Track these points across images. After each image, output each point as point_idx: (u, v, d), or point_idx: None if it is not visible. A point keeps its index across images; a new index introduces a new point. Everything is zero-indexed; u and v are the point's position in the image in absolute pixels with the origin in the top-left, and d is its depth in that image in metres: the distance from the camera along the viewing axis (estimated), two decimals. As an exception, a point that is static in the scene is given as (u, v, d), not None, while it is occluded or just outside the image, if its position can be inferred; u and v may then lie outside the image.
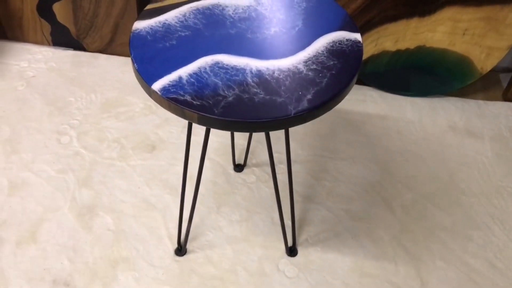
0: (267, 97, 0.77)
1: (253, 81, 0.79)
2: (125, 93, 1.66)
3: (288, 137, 1.01)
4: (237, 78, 0.79)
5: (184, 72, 0.80)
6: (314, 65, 0.82)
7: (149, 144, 1.51)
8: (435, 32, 1.57)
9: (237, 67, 0.81)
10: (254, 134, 1.54)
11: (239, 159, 1.48)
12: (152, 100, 1.62)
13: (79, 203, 1.36)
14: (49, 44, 1.80)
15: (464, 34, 1.56)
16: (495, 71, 1.82)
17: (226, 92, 0.77)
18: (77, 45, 1.78)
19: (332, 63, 0.83)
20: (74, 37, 1.76)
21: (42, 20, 1.73)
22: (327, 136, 1.57)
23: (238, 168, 1.45)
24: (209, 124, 0.75)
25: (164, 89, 0.77)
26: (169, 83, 0.78)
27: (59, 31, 1.74)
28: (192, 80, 0.79)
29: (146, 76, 0.78)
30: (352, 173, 1.47)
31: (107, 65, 1.76)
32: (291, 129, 1.57)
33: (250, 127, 0.75)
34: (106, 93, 1.66)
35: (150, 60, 0.81)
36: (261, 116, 0.74)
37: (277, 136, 1.54)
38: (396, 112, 1.67)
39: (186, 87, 0.78)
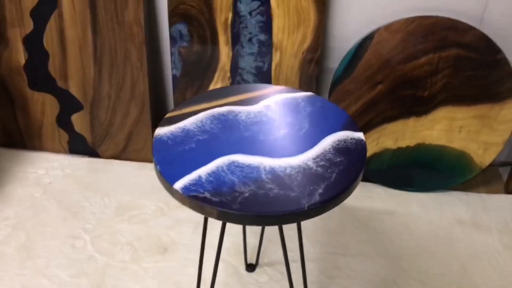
0: (281, 192, 0.82)
1: (267, 178, 0.85)
2: (138, 197, 1.71)
3: (300, 232, 1.05)
4: (252, 175, 0.85)
5: (203, 171, 0.86)
6: (323, 162, 0.88)
7: (161, 246, 1.53)
8: (433, 130, 1.66)
9: (252, 166, 0.87)
10: (266, 232, 1.57)
11: (251, 259, 1.49)
12: (164, 203, 1.68)
13: (91, 308, 1.35)
14: (65, 152, 1.89)
15: (460, 131, 1.64)
16: (493, 165, 1.88)
17: (242, 188, 0.83)
18: (92, 152, 1.87)
19: (339, 159, 0.89)
20: (89, 145, 1.85)
21: (61, 130, 1.84)
22: (337, 233, 1.59)
23: (250, 268, 1.46)
24: (228, 219, 0.80)
25: (185, 188, 0.82)
26: (190, 182, 0.84)
27: (76, 139, 1.85)
28: (210, 178, 0.84)
29: (168, 177, 0.84)
30: (365, 269, 1.47)
31: (121, 170, 1.83)
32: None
33: (266, 221, 0.79)
34: (120, 197, 1.71)
35: (171, 162, 0.88)
36: (276, 210, 0.79)
37: (287, 234, 1.57)
38: (402, 207, 1.71)
39: (205, 185, 0.83)
